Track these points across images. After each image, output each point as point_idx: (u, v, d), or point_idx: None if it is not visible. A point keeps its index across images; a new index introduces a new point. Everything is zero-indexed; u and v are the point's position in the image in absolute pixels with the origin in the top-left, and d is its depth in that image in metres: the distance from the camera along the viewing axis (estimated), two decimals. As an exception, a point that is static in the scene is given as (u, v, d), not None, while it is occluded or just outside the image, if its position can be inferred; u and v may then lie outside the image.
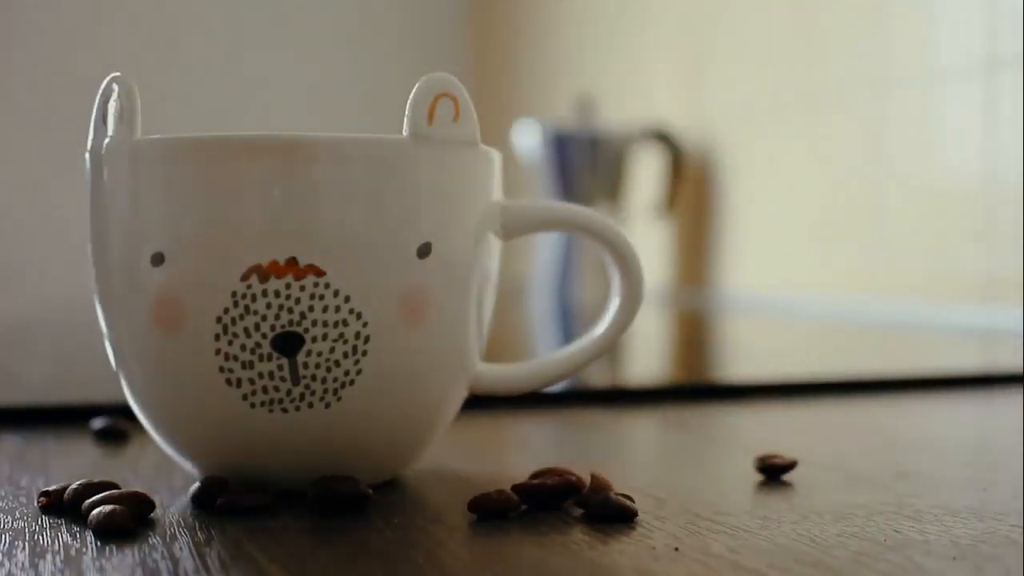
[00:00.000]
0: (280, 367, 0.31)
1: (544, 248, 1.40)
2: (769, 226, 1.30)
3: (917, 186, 1.07)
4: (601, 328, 0.37)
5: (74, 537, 0.28)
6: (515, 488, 0.31)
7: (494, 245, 0.35)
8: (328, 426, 0.32)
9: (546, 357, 0.37)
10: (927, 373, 0.60)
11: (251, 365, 0.31)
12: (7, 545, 0.28)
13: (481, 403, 0.43)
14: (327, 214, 0.31)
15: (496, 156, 0.35)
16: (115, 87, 0.33)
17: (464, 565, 0.26)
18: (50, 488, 0.31)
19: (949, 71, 1.03)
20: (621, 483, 0.33)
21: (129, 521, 0.29)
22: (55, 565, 0.26)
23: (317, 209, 0.31)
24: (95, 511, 0.29)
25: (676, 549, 0.27)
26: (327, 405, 0.32)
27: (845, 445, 0.44)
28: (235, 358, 0.31)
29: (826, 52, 1.21)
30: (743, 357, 0.82)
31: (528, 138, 1.43)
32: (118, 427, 0.42)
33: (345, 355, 0.32)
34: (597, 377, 0.59)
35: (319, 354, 0.31)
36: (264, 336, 0.31)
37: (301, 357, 0.31)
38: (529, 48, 1.96)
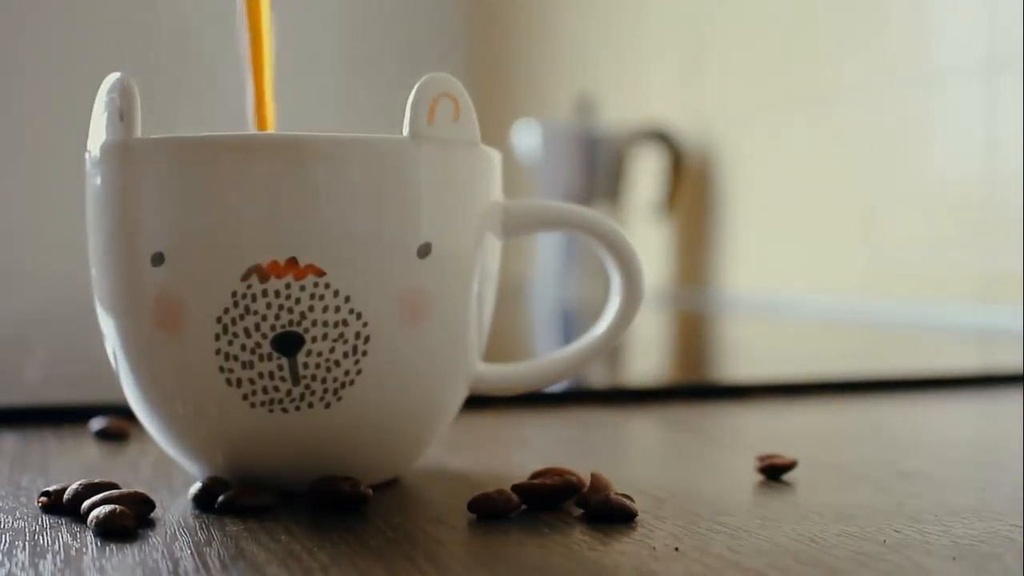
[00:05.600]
0: (280, 367, 0.31)
1: (544, 248, 1.40)
2: (769, 226, 1.30)
3: (917, 186, 1.07)
4: (601, 328, 0.37)
5: (74, 537, 0.28)
6: (515, 488, 0.31)
7: (494, 245, 0.35)
8: (328, 426, 0.32)
9: (546, 357, 0.37)
10: (927, 373, 0.60)
11: (251, 365, 0.31)
12: (7, 545, 0.28)
13: (481, 403, 0.43)
14: (327, 214, 0.31)
15: (496, 156, 0.35)
16: (115, 87, 0.33)
17: (464, 565, 0.26)
18: (50, 488, 0.31)
19: (949, 71, 1.03)
20: (621, 483, 0.33)
21: (129, 521, 0.29)
22: (55, 565, 0.26)
23: (317, 209, 0.31)
24: (95, 511, 0.29)
25: (676, 549, 0.27)
26: (327, 405, 0.32)
27: (845, 445, 0.44)
28: (235, 358, 0.31)
29: (826, 52, 1.21)
30: (743, 357, 0.82)
31: (528, 138, 1.43)
32: (118, 427, 0.42)
33: (345, 355, 0.32)
34: (597, 377, 0.59)
35: (319, 354, 0.31)
36: (264, 336, 0.31)
37: (301, 357, 0.31)
38: (529, 48, 1.96)
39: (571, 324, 1.10)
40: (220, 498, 0.31)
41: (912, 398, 0.55)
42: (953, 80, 1.03)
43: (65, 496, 0.31)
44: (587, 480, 0.32)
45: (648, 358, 0.78)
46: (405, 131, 0.32)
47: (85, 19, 1.95)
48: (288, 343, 0.31)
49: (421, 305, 0.32)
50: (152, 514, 0.30)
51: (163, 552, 0.27)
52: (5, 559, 0.27)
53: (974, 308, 0.97)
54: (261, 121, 0.36)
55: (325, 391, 0.32)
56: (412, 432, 0.34)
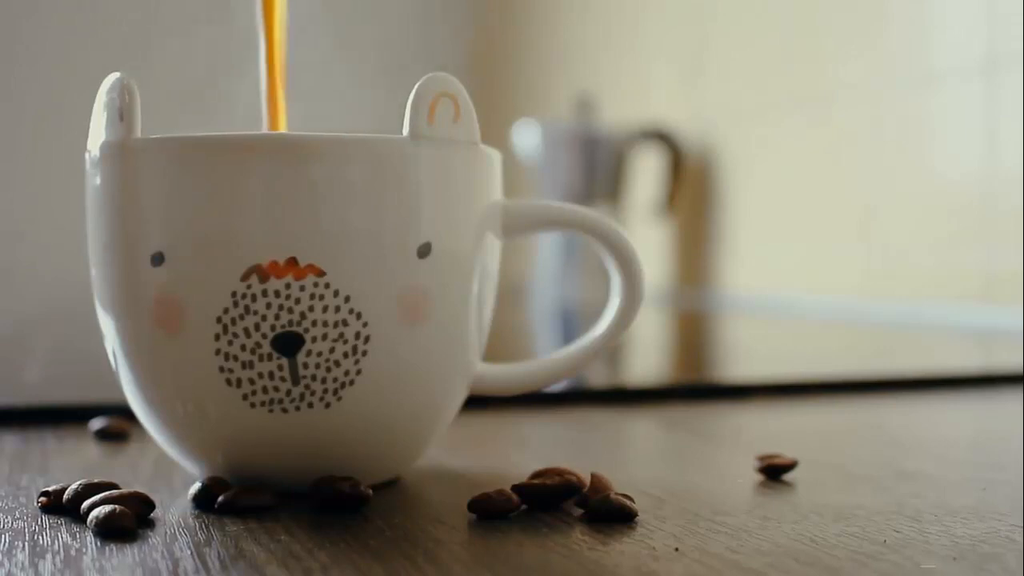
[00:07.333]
0: (280, 367, 0.31)
1: (544, 248, 1.40)
2: (769, 226, 1.30)
3: (917, 186, 1.07)
4: (601, 328, 0.37)
5: (74, 537, 0.28)
6: (515, 488, 0.31)
7: (494, 245, 0.35)
8: (328, 426, 0.32)
9: (546, 357, 0.37)
10: (927, 373, 0.60)
11: (251, 365, 0.31)
12: (7, 545, 0.28)
13: (481, 403, 0.43)
14: (327, 214, 0.31)
15: (496, 156, 0.35)
16: (115, 87, 0.33)
17: (464, 565, 0.26)
18: (50, 488, 0.31)
19: (949, 71, 1.03)
20: (621, 483, 0.33)
21: (129, 521, 0.29)
22: (55, 565, 0.26)
23: (317, 209, 0.31)
24: (95, 511, 0.29)
25: (676, 549, 0.27)
26: (327, 405, 0.32)
27: (845, 445, 0.44)
28: (235, 358, 0.31)
29: (826, 52, 1.21)
30: (743, 357, 0.82)
31: (528, 138, 1.43)
32: (118, 427, 0.42)
33: (345, 355, 0.32)
34: (597, 377, 0.59)
35: (319, 354, 0.31)
36: (264, 336, 0.31)
37: (301, 357, 0.31)
38: (529, 48, 1.96)
39: (571, 324, 1.10)
40: (220, 498, 0.31)
41: (912, 398, 0.55)
42: (953, 80, 1.03)
43: (65, 496, 0.31)
44: (587, 480, 0.32)
45: (648, 358, 0.78)
46: (405, 131, 0.32)
47: (85, 19, 1.94)
48: (288, 343, 0.31)
49: (421, 305, 0.32)
50: (152, 514, 0.30)
51: (163, 552, 0.27)
52: (5, 559, 0.27)
53: (974, 308, 0.97)
54: (273, 121, 0.36)
55: (325, 391, 0.32)
56: (412, 432, 0.34)
